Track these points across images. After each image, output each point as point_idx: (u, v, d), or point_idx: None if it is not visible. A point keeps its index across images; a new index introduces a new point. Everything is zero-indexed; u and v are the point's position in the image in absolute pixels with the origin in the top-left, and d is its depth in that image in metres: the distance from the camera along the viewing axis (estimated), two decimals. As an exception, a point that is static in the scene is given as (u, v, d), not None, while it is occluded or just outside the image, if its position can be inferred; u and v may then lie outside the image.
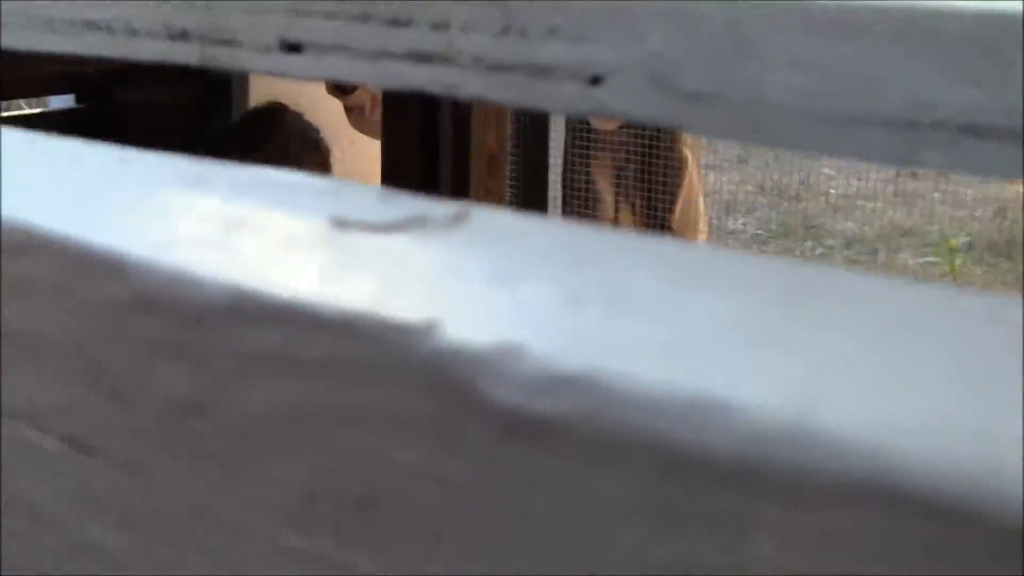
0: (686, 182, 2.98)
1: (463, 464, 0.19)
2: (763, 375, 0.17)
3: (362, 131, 2.98)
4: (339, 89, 2.86)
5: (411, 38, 0.41)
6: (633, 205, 2.91)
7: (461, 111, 2.40)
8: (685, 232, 2.98)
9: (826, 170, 6.54)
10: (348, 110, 2.96)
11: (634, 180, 2.87)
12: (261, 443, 0.22)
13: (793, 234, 5.62)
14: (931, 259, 5.02)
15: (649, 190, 2.88)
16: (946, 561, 0.15)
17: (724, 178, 6.12)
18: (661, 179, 2.85)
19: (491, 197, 2.40)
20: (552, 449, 0.18)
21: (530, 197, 2.53)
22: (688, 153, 3.00)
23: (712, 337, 0.19)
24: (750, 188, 6.18)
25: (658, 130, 2.81)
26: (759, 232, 5.73)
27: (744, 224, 5.81)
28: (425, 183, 2.33)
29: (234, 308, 0.22)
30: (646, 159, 2.83)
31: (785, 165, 6.27)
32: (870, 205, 5.84)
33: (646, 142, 2.82)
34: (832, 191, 6.19)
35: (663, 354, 0.18)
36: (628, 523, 0.17)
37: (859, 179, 6.27)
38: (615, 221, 2.88)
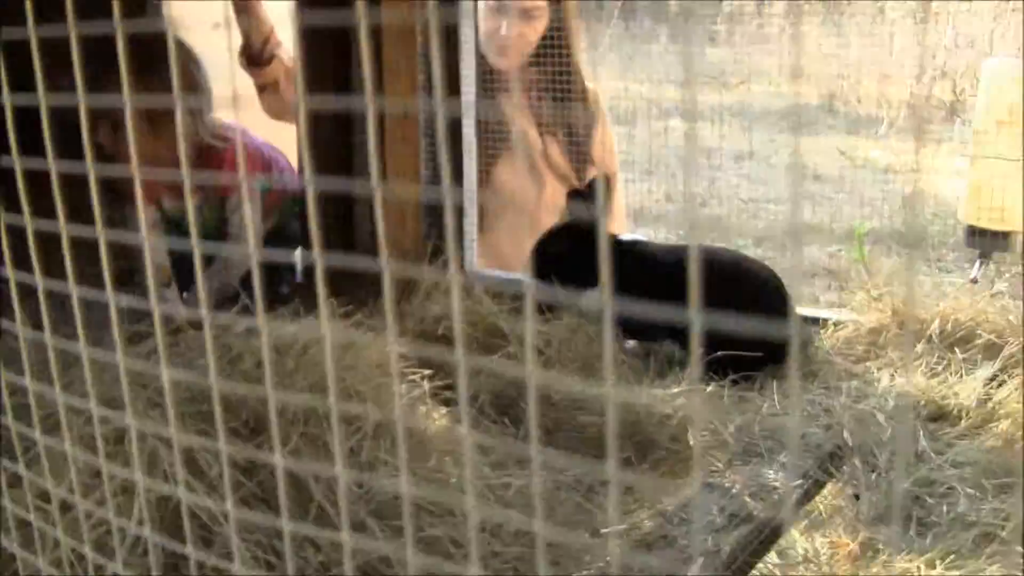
0: (600, 115, 3.00)
1: None
2: None
3: (273, 114, 2.96)
4: (252, 62, 2.83)
5: None
6: (556, 138, 2.93)
7: (374, 70, 2.41)
8: (605, 162, 3.00)
9: (732, 179, 6.65)
10: (260, 90, 2.93)
11: (550, 115, 2.88)
12: None
13: (703, 237, 5.67)
14: (838, 248, 5.11)
15: (568, 124, 2.90)
16: None
17: (632, 189, 6.17)
18: (572, 114, 2.87)
19: (406, 145, 2.42)
20: None
21: (448, 139, 2.53)
22: (594, 86, 3.04)
23: None
24: (658, 197, 6.26)
25: (561, 69, 2.84)
26: (669, 236, 5.80)
27: (653, 230, 5.86)
28: (339, 132, 2.34)
29: None
30: (557, 95, 2.85)
31: (691, 175, 6.35)
32: (775, 207, 5.95)
33: (551, 78, 2.85)
34: (738, 197, 6.28)
35: None
36: None
37: (764, 184, 6.39)
38: (546, 154, 2.90)
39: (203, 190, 2.73)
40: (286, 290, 2.59)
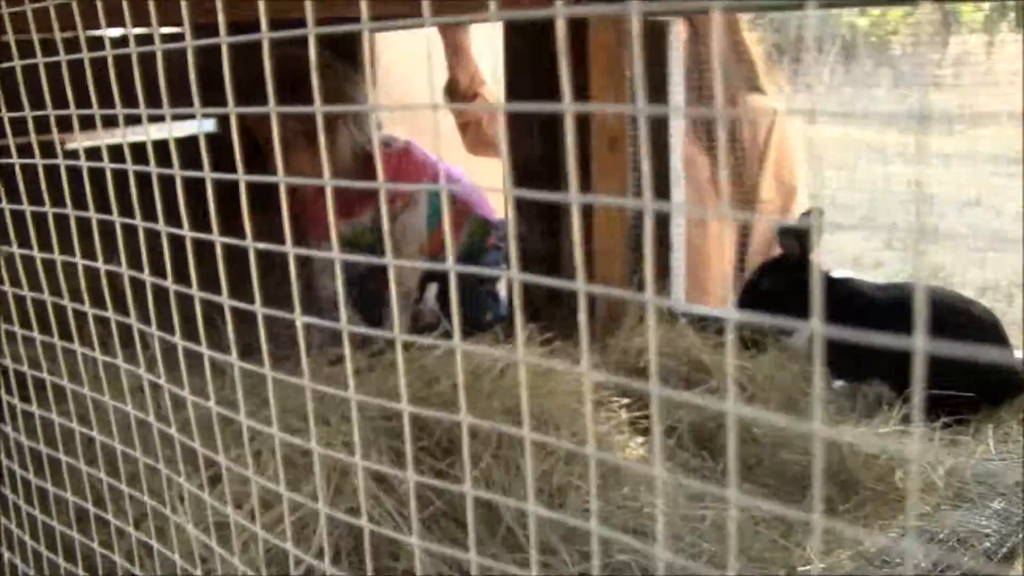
0: (775, 139, 2.89)
1: None
2: None
3: (477, 152, 2.98)
4: (456, 99, 2.86)
5: None
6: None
7: (582, 93, 2.42)
8: (784, 183, 2.91)
9: (956, 226, 6.43)
10: (463, 129, 2.96)
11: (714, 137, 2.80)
12: None
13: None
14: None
15: (736, 158, 2.82)
16: None
17: (850, 235, 6.04)
18: (742, 144, 2.80)
19: (613, 175, 2.40)
20: None
21: (655, 175, 2.51)
22: (772, 105, 2.91)
23: None
24: (877, 244, 6.11)
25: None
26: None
27: (872, 278, 5.70)
28: (545, 161, 2.34)
29: None
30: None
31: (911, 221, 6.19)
32: (1000, 255, 5.72)
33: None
34: (960, 243, 6.07)
35: None
36: None
37: (987, 231, 6.15)
38: (713, 179, 2.83)
39: (371, 203, 2.73)
40: (488, 317, 2.60)
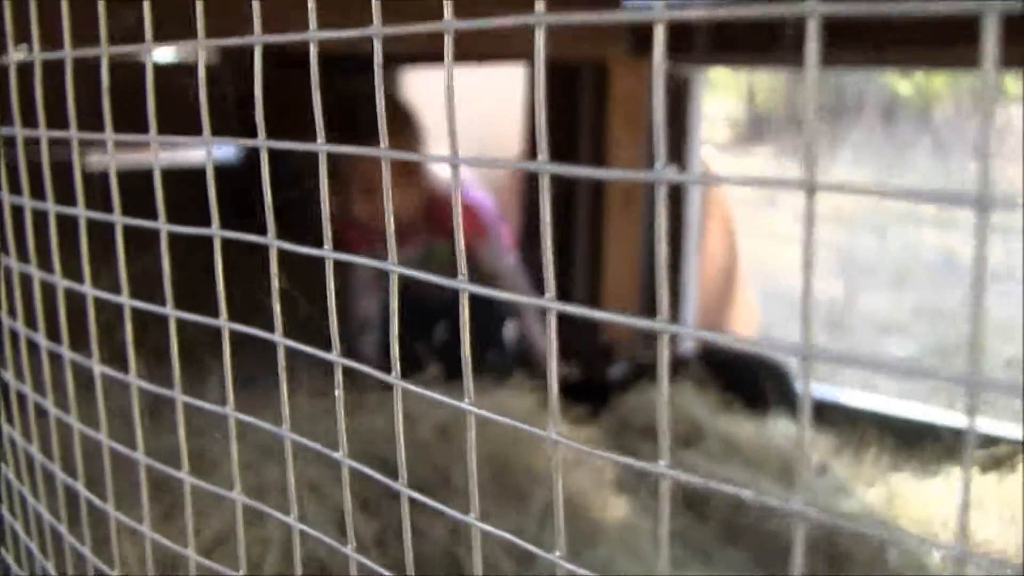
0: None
1: None
2: None
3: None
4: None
5: None
6: None
7: (601, 142, 2.40)
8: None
9: (989, 292, 6.36)
10: None
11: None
12: None
13: (951, 355, 5.41)
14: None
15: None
16: None
17: (879, 298, 5.99)
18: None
19: (626, 230, 2.38)
20: None
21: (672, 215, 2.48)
22: None
23: None
24: (906, 309, 6.03)
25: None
26: (915, 355, 5.54)
27: (899, 346, 5.66)
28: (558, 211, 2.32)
29: None
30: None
31: (942, 287, 6.12)
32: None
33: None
34: (993, 313, 5.99)
35: None
36: None
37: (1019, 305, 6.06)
38: None
39: (411, 240, 2.64)
40: (497, 359, 2.54)
